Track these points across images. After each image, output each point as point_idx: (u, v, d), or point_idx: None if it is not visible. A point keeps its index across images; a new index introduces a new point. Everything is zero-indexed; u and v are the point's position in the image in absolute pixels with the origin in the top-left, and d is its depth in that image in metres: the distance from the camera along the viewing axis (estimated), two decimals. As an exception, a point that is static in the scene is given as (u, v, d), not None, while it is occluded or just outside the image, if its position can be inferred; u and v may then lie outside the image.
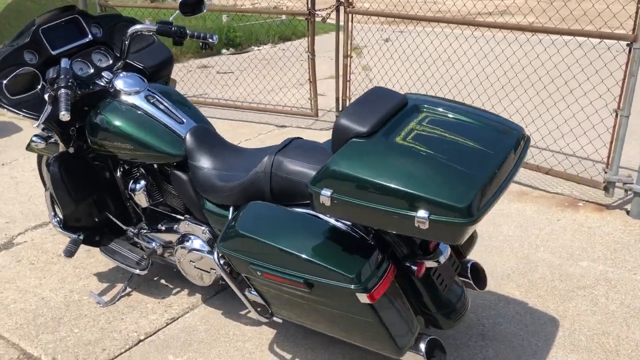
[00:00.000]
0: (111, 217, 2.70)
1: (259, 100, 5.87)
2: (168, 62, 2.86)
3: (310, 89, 5.18)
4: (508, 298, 2.65)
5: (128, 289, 2.74)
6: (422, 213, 1.61)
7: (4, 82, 2.25)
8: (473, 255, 2.98)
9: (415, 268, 1.95)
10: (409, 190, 1.62)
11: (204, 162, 2.34)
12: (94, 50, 2.63)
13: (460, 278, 2.27)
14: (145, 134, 2.39)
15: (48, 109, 2.25)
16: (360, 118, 1.84)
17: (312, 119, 5.32)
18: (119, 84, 2.50)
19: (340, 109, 5.10)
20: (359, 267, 1.82)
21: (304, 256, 1.86)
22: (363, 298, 1.81)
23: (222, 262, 2.15)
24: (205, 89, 6.13)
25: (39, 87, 2.40)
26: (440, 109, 1.92)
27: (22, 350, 2.34)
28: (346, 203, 1.71)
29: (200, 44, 2.76)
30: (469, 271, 2.27)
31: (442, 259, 1.99)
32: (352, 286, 1.80)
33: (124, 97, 2.48)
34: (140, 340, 2.39)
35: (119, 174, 2.61)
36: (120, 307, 2.61)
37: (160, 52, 2.85)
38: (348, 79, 4.97)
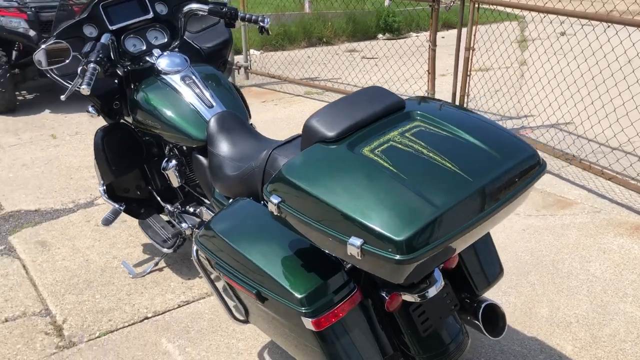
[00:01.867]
0: (153, 192, 2.76)
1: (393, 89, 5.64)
2: (224, 45, 2.81)
3: (428, 82, 4.83)
4: (554, 351, 2.20)
5: (162, 265, 2.78)
6: (354, 240, 1.35)
7: (44, 47, 2.34)
8: (521, 289, 2.54)
9: (386, 299, 1.67)
10: (345, 211, 1.36)
11: (219, 148, 2.26)
12: (151, 28, 2.67)
13: (473, 320, 1.92)
14: (172, 114, 2.37)
15: (78, 82, 2.32)
16: (332, 120, 1.59)
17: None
18: (161, 62, 2.50)
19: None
20: (310, 287, 1.60)
21: (260, 266, 1.69)
22: (308, 323, 1.59)
23: (198, 254, 2.06)
24: (342, 74, 6.04)
25: (69, 59, 2.43)
26: (439, 120, 1.59)
27: (45, 306, 2.50)
28: (290, 214, 1.51)
29: (259, 28, 2.68)
30: (480, 313, 1.91)
31: (429, 295, 1.68)
32: (297, 308, 1.59)
33: (163, 76, 2.48)
34: (146, 318, 2.41)
35: (156, 150, 2.65)
36: (146, 280, 2.67)
37: (219, 34, 2.82)
38: (468, 73, 4.53)
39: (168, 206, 2.70)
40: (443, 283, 1.71)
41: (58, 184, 3.65)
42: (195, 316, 2.42)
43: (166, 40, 2.69)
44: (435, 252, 1.33)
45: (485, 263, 1.96)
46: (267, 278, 1.66)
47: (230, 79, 6.16)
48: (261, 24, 2.61)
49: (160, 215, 2.78)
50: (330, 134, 1.55)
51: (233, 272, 1.77)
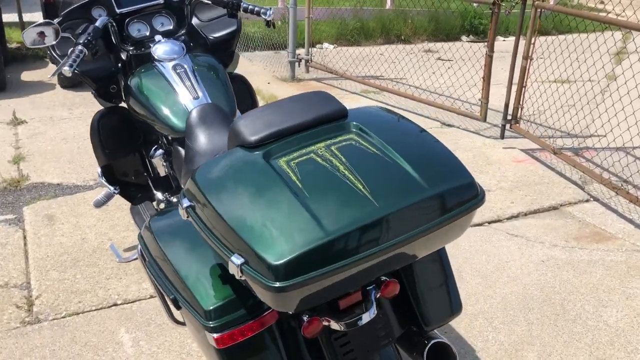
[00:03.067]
0: (148, 179, 2.75)
1: (449, 93, 5.38)
2: (231, 36, 2.74)
3: (482, 89, 4.53)
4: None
5: (150, 252, 2.77)
6: (235, 258, 1.23)
7: (32, 26, 2.35)
8: (514, 327, 2.29)
9: (304, 322, 1.52)
10: (232, 225, 1.25)
11: (194, 141, 2.19)
12: (158, 14, 2.64)
13: (418, 358, 1.73)
14: (156, 102, 2.32)
15: (64, 62, 2.33)
16: (259, 123, 1.47)
17: (482, 124, 4.67)
18: (157, 49, 2.46)
19: (509, 117, 4.35)
20: (220, 301, 1.49)
21: (179, 271, 1.60)
22: (210, 339, 1.49)
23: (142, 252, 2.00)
24: (408, 74, 5.81)
25: (57, 40, 2.42)
26: (374, 136, 1.42)
27: (28, 279, 2.56)
28: (194, 220, 1.41)
29: (265, 22, 2.59)
30: (425, 351, 1.71)
31: (354, 324, 1.52)
32: (203, 321, 1.49)
33: (157, 63, 2.44)
34: (115, 305, 2.41)
35: (154, 137, 2.63)
36: (130, 267, 2.66)
37: (228, 25, 2.74)
38: (524, 84, 4.19)
39: (158, 194, 2.68)
40: (374, 313, 1.55)
41: (87, 161, 3.76)
42: (160, 309, 2.38)
43: (171, 27, 2.66)
44: (321, 282, 1.19)
45: (438, 297, 1.76)
46: (183, 286, 1.57)
47: (289, 72, 6.16)
48: (263, 16, 2.51)
49: (153, 203, 2.77)
50: (251, 138, 1.44)
51: (157, 273, 1.70)
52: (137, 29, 2.60)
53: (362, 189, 1.27)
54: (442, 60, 7.13)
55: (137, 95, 2.39)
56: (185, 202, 1.43)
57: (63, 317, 2.32)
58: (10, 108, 4.68)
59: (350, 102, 5.35)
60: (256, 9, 2.50)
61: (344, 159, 1.35)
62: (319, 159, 1.35)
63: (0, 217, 3.07)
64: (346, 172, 1.31)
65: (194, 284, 1.54)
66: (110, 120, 2.65)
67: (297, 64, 6.15)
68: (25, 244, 2.82)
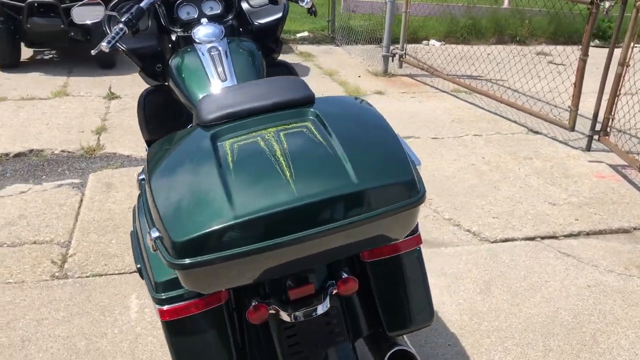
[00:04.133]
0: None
1: (547, 99, 5.03)
2: (275, 23, 2.75)
3: (572, 96, 4.17)
4: None
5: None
6: (153, 231, 1.25)
7: (78, 4, 2.51)
8: (528, 351, 2.09)
9: (250, 308, 1.51)
10: (154, 198, 1.27)
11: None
12: None
13: None
14: (186, 81, 2.41)
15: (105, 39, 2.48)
16: (220, 104, 1.49)
17: (571, 133, 4.31)
18: (198, 31, 2.54)
19: (598, 128, 3.97)
20: (169, 275, 1.53)
21: (143, 243, 1.66)
22: (156, 311, 1.53)
23: None
24: (510, 76, 5.52)
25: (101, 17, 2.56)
26: (327, 125, 1.37)
27: (70, 239, 2.77)
28: (140, 191, 1.46)
29: (307, 10, 2.58)
30: (386, 357, 1.63)
31: (301, 317, 1.48)
32: (152, 293, 1.53)
33: (195, 45, 2.53)
34: (135, 271, 2.53)
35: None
36: (162, 238, 2.79)
37: (274, 12, 2.76)
38: (618, 93, 3.79)
39: None
40: (326, 308, 1.50)
41: (160, 137, 3.98)
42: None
43: (219, 11, 2.72)
44: (227, 265, 1.17)
45: (404, 303, 1.66)
46: (145, 257, 1.62)
47: (382, 66, 6.07)
48: (300, 3, 2.50)
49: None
50: (206, 117, 1.46)
51: (134, 243, 1.77)
52: (187, 12, 2.70)
53: (288, 177, 1.23)
54: (555, 64, 6.66)
55: (174, 74, 2.49)
56: (140, 175, 1.47)
57: (87, 277, 2.49)
58: (112, 83, 5.09)
59: (437, 101, 5.18)
60: None
61: (285, 146, 1.32)
62: (262, 144, 1.33)
63: (68, 180, 3.35)
64: (281, 159, 1.28)
65: (151, 256, 1.58)
66: (156, 98, 2.78)
67: (390, 59, 6.05)
68: (79, 207, 3.06)
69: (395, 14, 6.02)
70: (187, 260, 1.15)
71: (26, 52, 5.82)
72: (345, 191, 1.20)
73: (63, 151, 3.73)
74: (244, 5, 2.75)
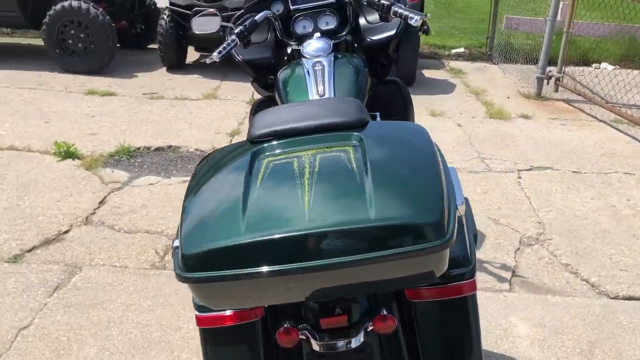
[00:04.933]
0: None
1: None
2: (387, 40, 2.68)
3: None
4: None
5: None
6: (175, 241, 1.28)
7: (198, 16, 2.64)
8: None
9: (280, 329, 1.48)
10: (183, 207, 1.31)
11: None
12: (324, 13, 2.73)
13: None
14: (287, 94, 2.45)
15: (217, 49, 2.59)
16: (270, 121, 1.49)
17: None
18: (306, 46, 2.57)
19: None
20: None
21: None
22: (194, 316, 1.57)
23: None
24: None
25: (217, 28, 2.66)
26: (367, 152, 1.31)
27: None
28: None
29: (418, 27, 2.49)
30: None
31: (331, 347, 1.42)
32: (194, 299, 1.57)
33: (303, 59, 2.56)
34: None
35: None
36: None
37: (387, 29, 2.69)
38: None
39: None
40: (359, 343, 1.42)
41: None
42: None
43: (333, 26, 2.72)
44: (223, 285, 1.16)
45: (449, 352, 1.51)
46: None
47: (535, 89, 5.64)
48: (409, 21, 2.40)
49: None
50: (255, 133, 1.46)
51: None
52: (303, 26, 2.74)
53: (305, 202, 1.18)
54: None
55: (279, 87, 2.54)
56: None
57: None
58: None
59: (589, 131, 4.70)
60: (405, 13, 2.41)
61: (316, 169, 1.28)
62: (295, 165, 1.30)
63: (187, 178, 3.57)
64: (305, 182, 1.24)
65: None
66: (266, 108, 2.86)
67: (546, 81, 5.61)
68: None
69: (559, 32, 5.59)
70: (189, 275, 1.14)
71: (191, 56, 6.36)
72: (354, 225, 1.11)
73: (196, 149, 4.00)
74: (362, 21, 2.72)
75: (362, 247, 1.11)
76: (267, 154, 1.36)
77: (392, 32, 2.66)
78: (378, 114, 2.66)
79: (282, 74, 2.54)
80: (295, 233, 1.12)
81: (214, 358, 1.52)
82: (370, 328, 1.43)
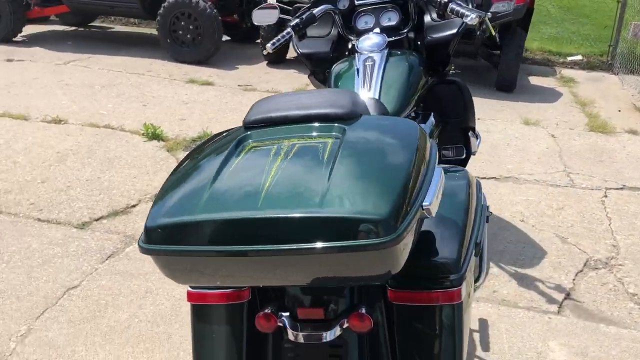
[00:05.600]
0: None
1: None
2: (447, 39, 2.57)
3: None
4: None
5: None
6: None
7: (257, 8, 2.69)
8: None
9: (260, 313, 1.49)
10: (163, 183, 1.37)
11: None
12: (387, 9, 2.68)
13: None
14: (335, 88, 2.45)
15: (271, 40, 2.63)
16: (261, 108, 1.51)
17: None
18: (361, 41, 2.55)
19: None
20: None
21: None
22: (185, 290, 1.62)
23: None
24: None
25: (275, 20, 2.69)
26: (345, 142, 1.29)
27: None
28: None
29: (476, 27, 2.38)
30: None
31: (299, 337, 1.41)
32: None
33: (356, 54, 2.54)
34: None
35: None
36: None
37: (449, 28, 2.57)
38: None
39: None
40: (332, 337, 1.40)
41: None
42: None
43: (395, 23, 2.66)
44: (175, 260, 1.19)
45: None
46: None
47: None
48: (464, 19, 2.29)
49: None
50: (247, 119, 1.50)
51: None
52: (365, 21, 2.72)
53: (265, 187, 1.19)
54: None
55: (330, 81, 2.54)
56: None
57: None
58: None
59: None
60: (461, 10, 2.30)
61: (289, 158, 1.28)
62: (272, 152, 1.31)
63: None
64: (273, 169, 1.24)
65: None
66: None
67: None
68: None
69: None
70: (144, 246, 1.18)
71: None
72: (299, 214, 1.10)
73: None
74: (427, 19, 2.64)
75: (305, 237, 1.09)
76: (252, 139, 1.38)
77: (453, 31, 2.56)
78: (432, 113, 2.58)
79: (335, 69, 2.54)
80: (243, 216, 1.12)
81: (200, 334, 1.56)
82: (345, 325, 1.40)
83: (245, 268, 1.17)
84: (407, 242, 1.15)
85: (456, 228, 1.54)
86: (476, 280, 2.00)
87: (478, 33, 2.49)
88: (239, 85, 5.34)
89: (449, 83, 2.73)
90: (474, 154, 2.83)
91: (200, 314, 1.54)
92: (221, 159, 1.29)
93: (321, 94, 1.51)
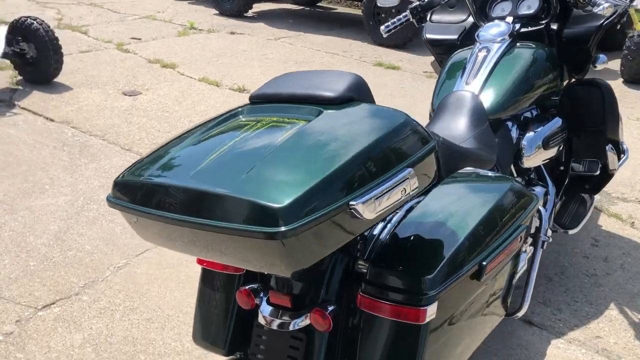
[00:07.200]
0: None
1: None
2: (586, 33, 2.18)
3: None
4: None
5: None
6: None
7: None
8: None
9: (243, 288, 1.51)
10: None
11: (429, 123, 2.11)
12: None
13: None
14: (440, 77, 2.30)
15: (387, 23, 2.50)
16: (266, 85, 1.51)
17: None
18: (484, 29, 2.32)
19: None
20: None
21: None
22: None
23: None
24: None
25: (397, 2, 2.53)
26: (307, 128, 1.24)
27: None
28: None
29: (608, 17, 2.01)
30: None
31: (266, 322, 1.41)
32: None
33: (476, 42, 2.32)
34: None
35: None
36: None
37: (591, 20, 2.17)
38: None
39: None
40: (290, 328, 1.38)
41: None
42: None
43: (533, 11, 2.33)
44: (126, 215, 1.27)
45: None
46: None
47: None
48: (594, 8, 1.94)
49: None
50: (252, 94, 1.51)
51: None
52: (501, 8, 2.47)
53: (205, 160, 1.21)
54: None
55: (442, 69, 2.38)
56: None
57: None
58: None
59: None
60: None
61: (250, 135, 1.28)
62: (245, 128, 1.32)
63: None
64: (226, 146, 1.24)
65: None
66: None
67: None
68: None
69: None
70: (109, 197, 1.27)
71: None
72: (212, 189, 1.09)
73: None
74: (577, 12, 2.29)
75: (207, 213, 1.09)
76: (244, 115, 1.39)
77: (595, 24, 2.19)
78: (558, 118, 2.25)
79: (452, 57, 2.39)
80: (169, 183, 1.16)
81: (201, 296, 1.66)
82: (306, 318, 1.38)
83: (166, 232, 1.20)
84: (310, 239, 1.06)
85: (451, 242, 1.37)
86: (513, 312, 1.74)
87: (618, 27, 2.07)
88: (424, 72, 5.21)
89: (590, 85, 2.34)
90: (612, 173, 2.39)
91: (205, 276, 1.63)
92: (206, 130, 1.33)
93: (324, 75, 1.44)
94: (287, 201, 1.03)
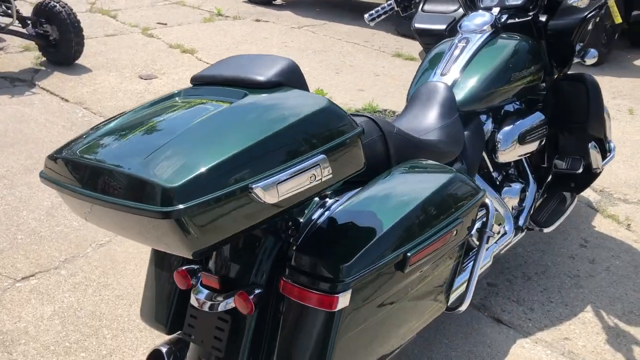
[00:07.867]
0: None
1: None
2: (568, 27, 2.11)
3: None
4: None
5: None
6: None
7: None
8: None
9: (180, 268, 1.54)
10: None
11: (401, 114, 2.10)
12: None
13: None
14: (420, 67, 2.27)
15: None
16: (212, 67, 1.52)
17: None
18: (467, 18, 2.27)
19: None
20: None
21: None
22: None
23: None
24: None
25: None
26: (225, 111, 1.25)
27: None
28: None
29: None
30: None
31: (194, 302, 1.44)
32: None
33: (456, 34, 2.28)
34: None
35: None
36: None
37: (574, 13, 2.09)
38: None
39: None
40: (214, 309, 1.40)
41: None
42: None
43: (521, 2, 2.27)
44: (61, 191, 1.30)
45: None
46: None
47: None
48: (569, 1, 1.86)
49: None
50: (193, 76, 1.52)
51: None
52: (490, -1, 2.40)
53: (123, 139, 1.23)
54: None
55: (423, 59, 2.34)
56: None
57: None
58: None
59: None
60: None
61: (173, 115, 1.30)
62: (170, 110, 1.34)
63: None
64: (146, 126, 1.27)
65: None
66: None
67: None
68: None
69: None
70: (40, 175, 1.31)
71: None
72: (120, 168, 1.12)
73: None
74: (564, 5, 2.22)
75: (110, 190, 1.12)
76: (181, 96, 1.41)
77: (579, 16, 2.12)
78: (539, 113, 2.20)
79: (434, 47, 2.34)
80: (82, 161, 1.19)
81: (149, 274, 1.69)
82: (232, 302, 1.40)
83: (83, 208, 1.23)
84: (208, 220, 1.07)
85: (376, 231, 1.36)
86: (455, 307, 1.71)
87: (596, 20, 1.99)
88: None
89: (575, 80, 2.27)
90: (598, 172, 2.32)
91: (153, 256, 1.65)
92: (141, 110, 1.36)
93: (259, 60, 1.44)
94: (181, 181, 1.04)
